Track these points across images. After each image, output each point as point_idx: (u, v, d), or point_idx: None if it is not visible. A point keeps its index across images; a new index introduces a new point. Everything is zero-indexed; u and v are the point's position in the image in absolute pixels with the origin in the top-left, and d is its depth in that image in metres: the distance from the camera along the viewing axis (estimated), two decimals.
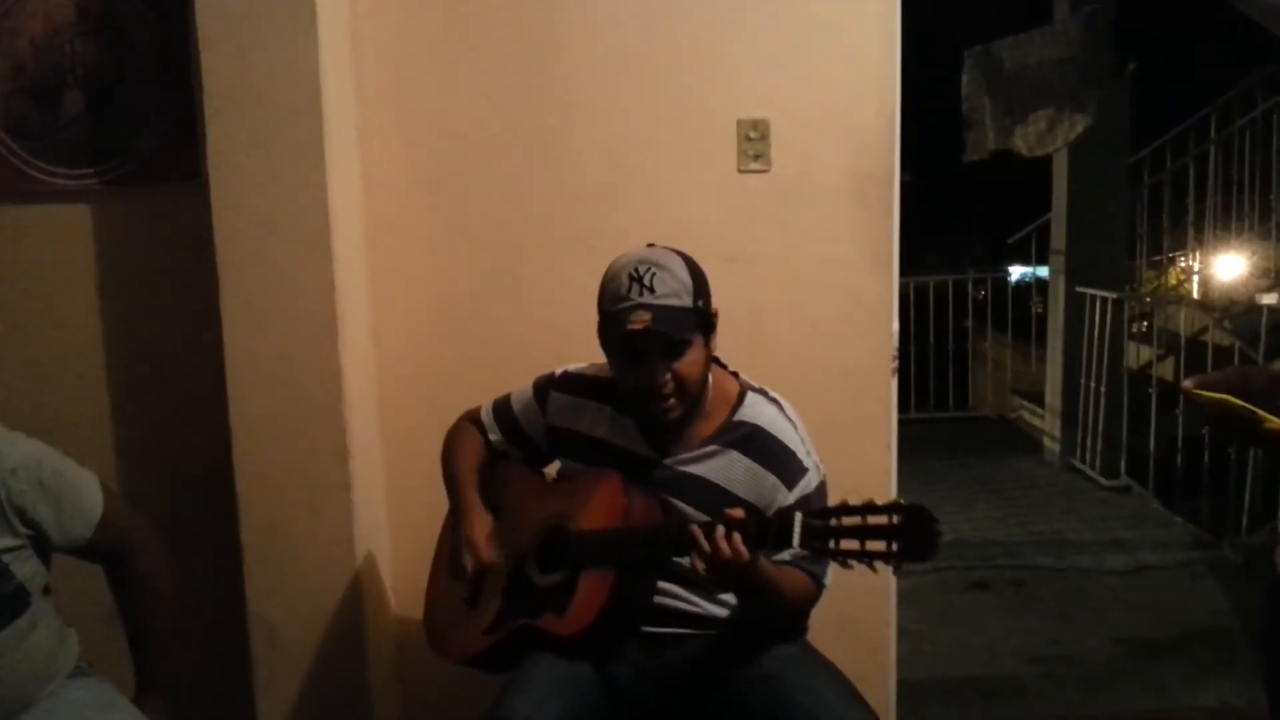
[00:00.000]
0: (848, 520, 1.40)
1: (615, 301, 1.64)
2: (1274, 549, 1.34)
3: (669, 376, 1.64)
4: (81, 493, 1.58)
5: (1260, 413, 1.16)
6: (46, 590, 1.61)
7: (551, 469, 1.95)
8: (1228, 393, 1.20)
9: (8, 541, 1.50)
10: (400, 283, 2.33)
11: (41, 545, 1.57)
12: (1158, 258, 6.72)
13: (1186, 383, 1.25)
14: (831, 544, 1.40)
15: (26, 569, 1.53)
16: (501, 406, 1.94)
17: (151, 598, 1.67)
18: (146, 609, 1.67)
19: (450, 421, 2.03)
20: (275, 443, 2.12)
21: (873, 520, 1.38)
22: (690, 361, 1.65)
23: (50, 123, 2.23)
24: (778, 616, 1.70)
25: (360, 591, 2.19)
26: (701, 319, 1.67)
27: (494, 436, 1.93)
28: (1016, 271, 8.40)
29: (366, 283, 2.28)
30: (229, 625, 2.17)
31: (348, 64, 2.20)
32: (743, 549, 1.48)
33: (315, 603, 2.17)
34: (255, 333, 2.10)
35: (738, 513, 1.52)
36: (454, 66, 2.28)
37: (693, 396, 1.69)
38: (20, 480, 1.50)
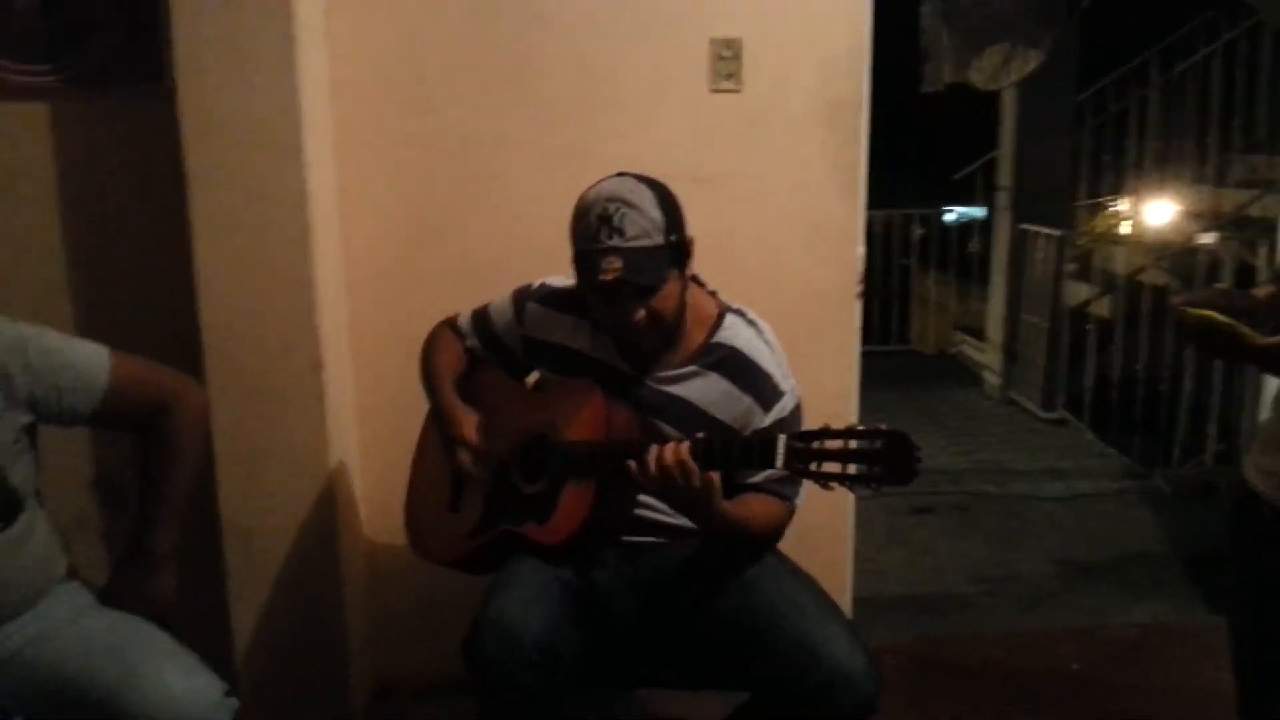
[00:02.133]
0: (831, 444, 1.43)
1: (586, 242, 1.64)
2: (1238, 466, 1.41)
3: (643, 313, 1.65)
4: (78, 367, 1.53)
5: (1242, 328, 1.20)
6: (38, 495, 1.59)
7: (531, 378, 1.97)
8: (1212, 310, 1.24)
9: (5, 444, 1.48)
10: (370, 194, 2.30)
11: (38, 423, 1.55)
12: (1098, 200, 6.85)
13: (1174, 299, 1.29)
14: (814, 466, 1.43)
15: (19, 473, 1.51)
16: (480, 315, 1.95)
17: (170, 459, 1.61)
18: (165, 470, 1.61)
19: (420, 334, 2.02)
20: (247, 352, 2.12)
21: (855, 444, 1.41)
22: (665, 297, 1.67)
23: (4, 16, 2.14)
24: (746, 542, 1.72)
25: (333, 500, 2.20)
26: (674, 252, 1.68)
27: (472, 343, 1.94)
28: (954, 211, 8.49)
29: (336, 192, 2.25)
30: (202, 533, 2.17)
31: None
32: (690, 463, 1.51)
33: (288, 511, 2.19)
34: (226, 241, 2.08)
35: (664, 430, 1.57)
36: None
37: (669, 327, 1.71)
38: (10, 361, 1.47)
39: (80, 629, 1.53)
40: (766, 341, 1.78)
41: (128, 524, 1.66)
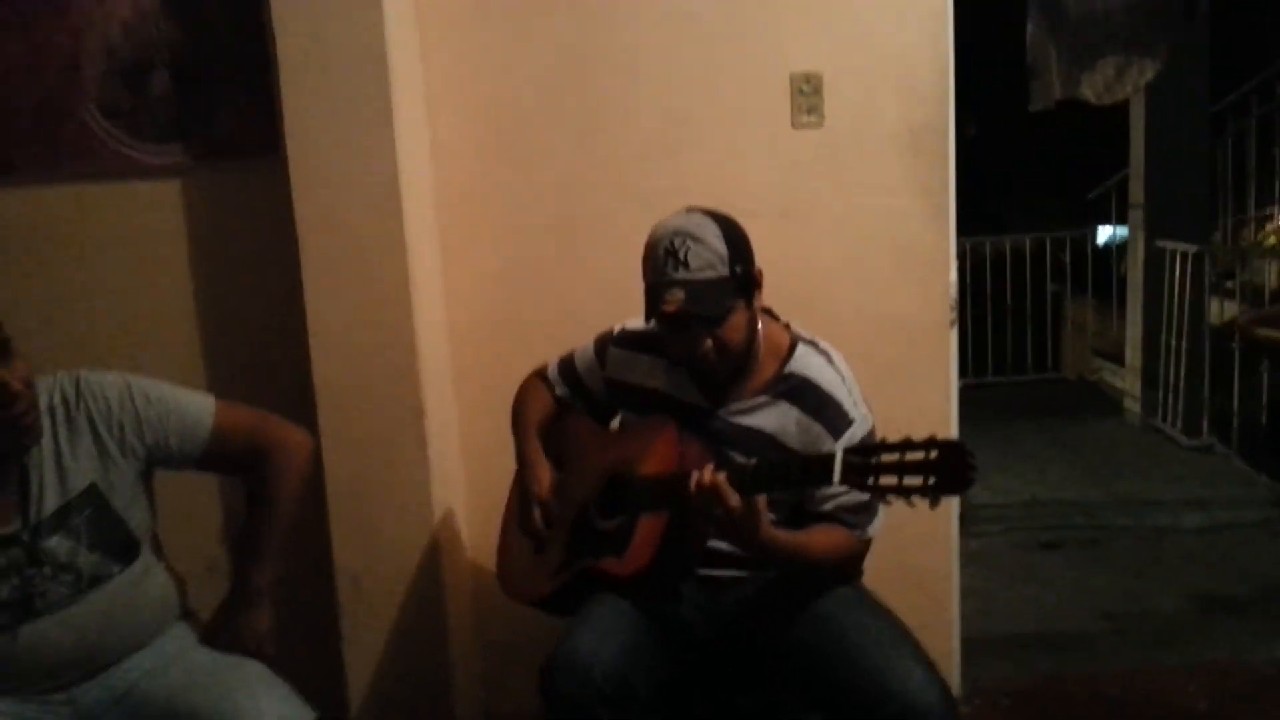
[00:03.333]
0: (886, 457, 1.43)
1: (653, 275, 1.71)
2: None
3: (710, 344, 1.70)
4: (184, 410, 1.66)
5: None
6: (156, 539, 1.73)
7: (615, 422, 2.03)
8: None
9: (121, 490, 1.61)
10: (469, 245, 2.42)
11: (153, 469, 1.67)
12: (1243, 216, 6.49)
13: (1241, 318, 1.24)
14: (871, 479, 1.44)
15: (136, 517, 1.64)
16: (566, 363, 2.03)
17: (269, 501, 1.70)
18: (263, 512, 1.71)
19: (520, 378, 2.12)
20: (355, 404, 2.24)
21: (910, 456, 1.41)
22: (731, 328, 1.71)
23: (139, 101, 2.35)
24: (811, 573, 1.73)
25: (438, 544, 2.30)
26: (740, 284, 1.71)
27: (560, 391, 2.02)
28: (1104, 233, 8.18)
29: (437, 246, 2.38)
30: (317, 580, 2.30)
31: (413, 33, 2.29)
32: (724, 486, 1.54)
33: (396, 555, 2.30)
34: (334, 298, 2.21)
35: (743, 460, 1.60)
36: (515, 31, 2.37)
37: (737, 358, 1.75)
38: (120, 412, 1.61)
39: (187, 662, 1.64)
40: (837, 370, 1.80)
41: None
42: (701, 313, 1.67)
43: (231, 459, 1.73)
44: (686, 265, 1.67)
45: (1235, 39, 5.81)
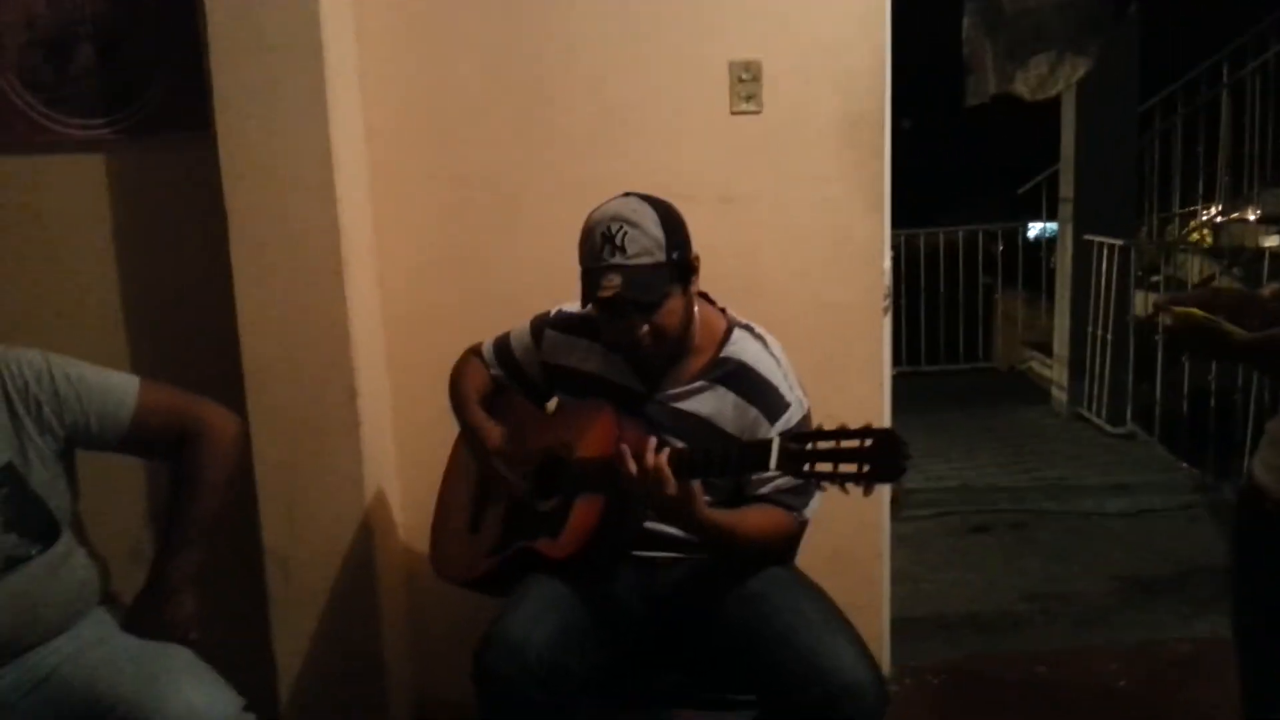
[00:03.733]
0: (822, 444, 1.45)
1: (590, 260, 1.71)
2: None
3: (646, 329, 1.71)
4: (106, 390, 1.62)
5: (1224, 324, 1.18)
6: (76, 521, 1.69)
7: (551, 403, 2.03)
8: (1200, 308, 1.22)
9: (39, 470, 1.57)
10: (402, 226, 2.39)
11: (74, 450, 1.63)
12: (1167, 213, 6.68)
13: (1157, 299, 1.28)
14: (807, 466, 1.45)
15: (55, 498, 1.60)
16: (502, 343, 2.02)
17: (194, 487, 1.67)
18: (187, 498, 1.67)
19: (453, 361, 2.10)
20: (286, 385, 2.20)
21: (846, 444, 1.43)
22: (667, 312, 1.72)
23: (62, 74, 2.29)
24: (748, 555, 1.74)
25: (371, 527, 2.28)
26: (676, 269, 1.72)
27: (495, 371, 2.01)
28: (1035, 227, 8.35)
29: (371, 227, 2.34)
30: (245, 563, 2.26)
31: (348, 11, 2.25)
32: (664, 469, 1.55)
33: (327, 538, 2.26)
34: (264, 278, 2.17)
35: (678, 444, 1.61)
36: (450, 12, 2.33)
37: (673, 343, 1.76)
38: (38, 389, 1.57)
39: (109, 648, 1.61)
40: (773, 354, 1.82)
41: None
42: (638, 298, 1.67)
43: (155, 442, 1.69)
44: (624, 250, 1.68)
45: (1163, 40, 5.96)
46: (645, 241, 1.68)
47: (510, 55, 2.35)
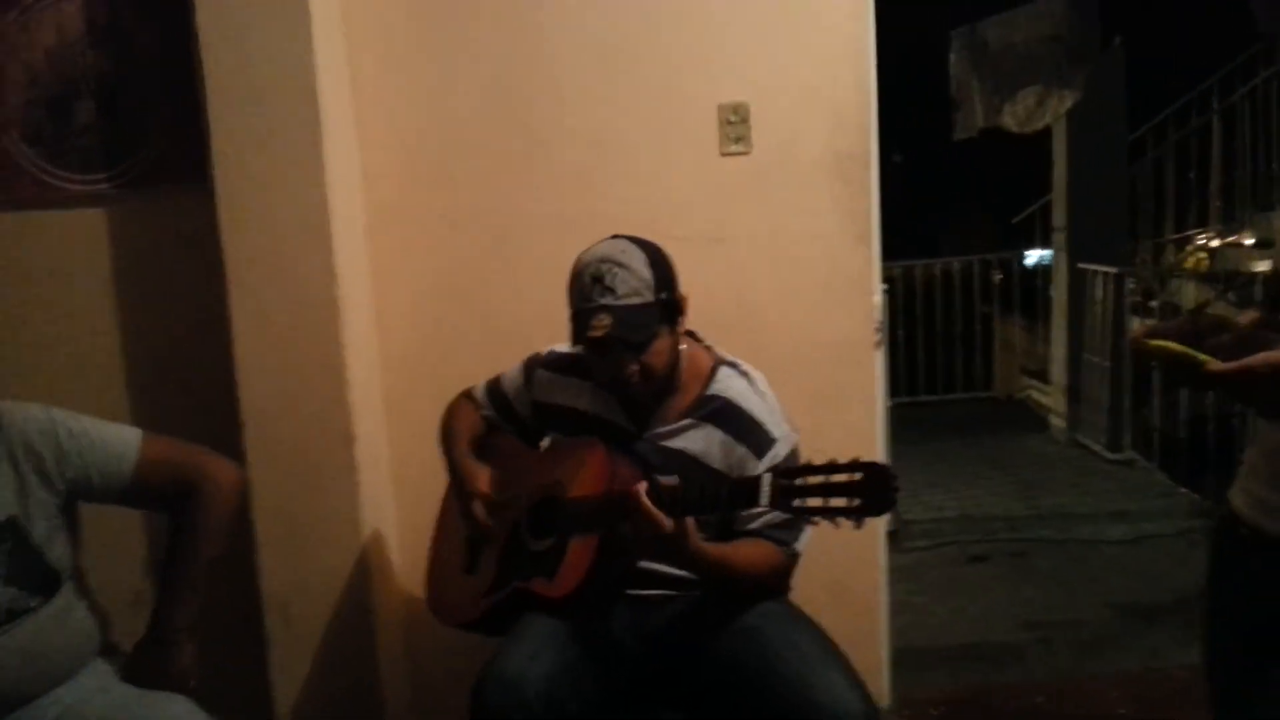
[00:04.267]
0: (813, 479, 1.47)
1: (580, 301, 1.75)
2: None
3: (635, 368, 1.74)
4: (108, 444, 1.64)
5: (1199, 355, 1.19)
6: (77, 572, 1.70)
7: (544, 443, 2.05)
8: (1178, 339, 1.23)
9: (41, 523, 1.59)
10: (399, 269, 2.43)
11: (75, 502, 1.64)
12: (1162, 239, 6.72)
13: (1134, 332, 1.29)
14: (797, 502, 1.47)
15: (56, 550, 1.62)
16: (494, 385, 2.05)
17: (193, 537, 1.68)
18: (187, 548, 1.68)
19: (450, 401, 2.13)
20: (283, 429, 2.23)
21: (835, 478, 1.45)
22: (655, 352, 1.75)
23: (63, 130, 2.34)
24: (741, 589, 1.76)
25: (368, 569, 2.29)
26: (665, 309, 1.76)
27: (487, 413, 2.03)
28: (1032, 255, 8.39)
29: (367, 271, 2.38)
30: (243, 607, 2.28)
31: (342, 60, 2.30)
32: (651, 509, 1.56)
33: (325, 582, 2.28)
34: (261, 325, 2.21)
35: (671, 480, 1.62)
36: (444, 58, 2.39)
37: (660, 381, 1.80)
38: (41, 444, 1.58)
39: (109, 698, 1.62)
40: (759, 391, 1.85)
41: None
42: (627, 338, 1.71)
43: (157, 494, 1.70)
44: (613, 291, 1.71)
45: (1151, 69, 6.03)
46: (634, 282, 1.72)
47: (502, 97, 2.40)
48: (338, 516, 2.26)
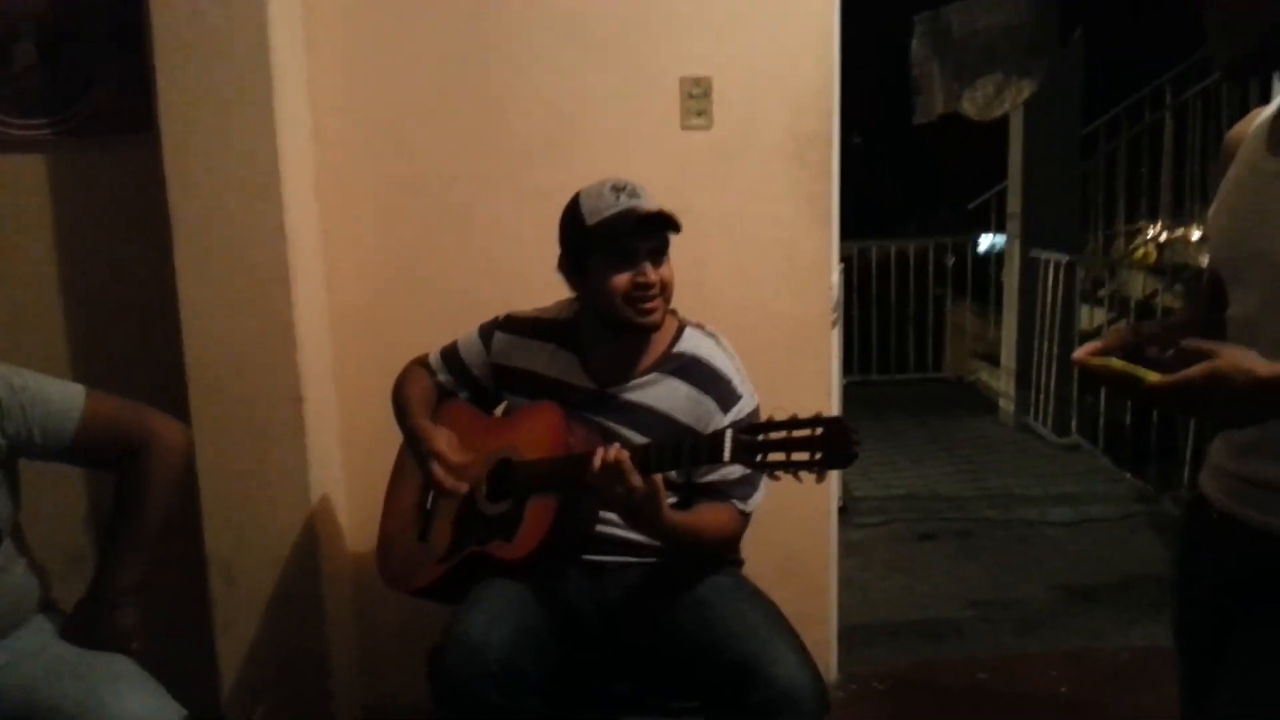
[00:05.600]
0: (774, 434, 1.47)
1: (606, 209, 1.76)
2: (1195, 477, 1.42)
3: (660, 272, 1.77)
4: (49, 399, 1.59)
5: (1140, 371, 1.16)
6: (17, 529, 1.66)
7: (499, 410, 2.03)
8: (1122, 351, 1.22)
9: None
10: (352, 233, 2.38)
11: (16, 458, 1.60)
12: (1111, 230, 6.82)
13: (1076, 353, 1.27)
14: (760, 456, 1.48)
15: None
16: (449, 351, 2.02)
17: (139, 498, 1.64)
18: (133, 508, 1.64)
19: (403, 367, 2.09)
20: (230, 388, 2.19)
21: (797, 433, 1.45)
22: (669, 268, 1.80)
23: (3, 73, 2.25)
24: (699, 551, 1.78)
25: (316, 532, 2.26)
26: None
27: (443, 378, 2.01)
28: (985, 240, 8.47)
29: (318, 233, 2.33)
30: (187, 569, 2.23)
31: (298, 17, 2.24)
32: (627, 462, 1.56)
33: (271, 543, 2.25)
34: (208, 281, 2.16)
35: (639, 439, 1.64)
36: (402, 20, 2.34)
37: (668, 304, 1.81)
38: None
39: (49, 656, 1.58)
40: (725, 350, 1.87)
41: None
42: (674, 219, 1.76)
43: (100, 453, 1.66)
44: (639, 197, 1.77)
45: (1108, 64, 6.10)
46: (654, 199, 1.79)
47: (463, 63, 2.36)
48: (285, 478, 2.22)
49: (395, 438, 2.07)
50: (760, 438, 1.49)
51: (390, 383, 2.08)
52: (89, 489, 2.36)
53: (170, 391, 2.13)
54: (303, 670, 2.30)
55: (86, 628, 1.63)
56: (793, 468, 1.46)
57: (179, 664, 1.73)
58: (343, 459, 2.43)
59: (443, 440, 1.88)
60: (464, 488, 1.84)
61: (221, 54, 2.10)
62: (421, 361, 2.05)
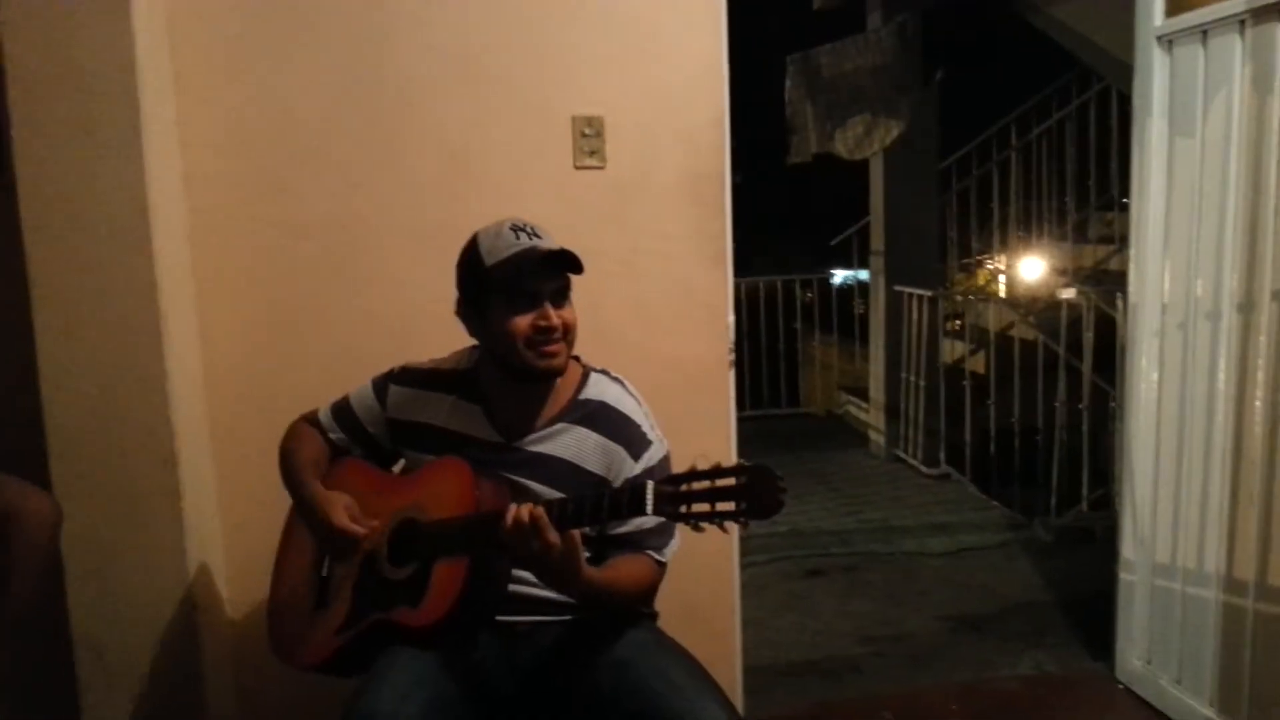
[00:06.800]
0: (697, 485, 1.42)
1: (506, 248, 1.70)
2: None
3: (561, 316, 1.71)
4: None
5: None
6: None
7: (397, 466, 1.93)
8: None
9: None
10: (228, 282, 2.24)
11: None
12: (968, 260, 7.13)
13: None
14: (683, 508, 1.42)
15: None
16: (340, 406, 1.91)
17: (6, 579, 1.52)
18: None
19: (286, 425, 1.96)
20: (96, 452, 2.02)
21: (721, 483, 1.41)
22: (572, 310, 1.75)
23: None
24: (617, 606, 1.72)
25: (194, 604, 2.10)
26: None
27: (335, 435, 1.89)
28: (840, 275, 8.72)
29: (191, 281, 2.19)
30: (53, 650, 2.04)
31: (165, 50, 2.12)
32: (544, 519, 1.50)
33: (146, 618, 2.08)
34: (70, 337, 1.99)
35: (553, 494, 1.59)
36: (280, 53, 2.23)
37: (571, 348, 1.76)
38: None
39: None
40: (632, 395, 1.83)
41: None
42: (577, 259, 1.70)
43: None
44: (540, 238, 1.73)
45: (961, 105, 6.39)
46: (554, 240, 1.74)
47: (343, 101, 2.26)
48: (159, 547, 2.05)
49: (279, 499, 1.93)
50: (683, 488, 1.44)
51: (273, 441, 1.94)
52: None
53: (29, 457, 1.94)
54: None
55: None
56: (718, 518, 1.41)
57: None
58: (221, 524, 2.27)
59: (340, 508, 1.76)
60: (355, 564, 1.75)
61: (82, 90, 1.95)
62: (310, 419, 1.93)
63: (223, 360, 2.25)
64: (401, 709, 1.50)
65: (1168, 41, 2.60)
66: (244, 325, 2.26)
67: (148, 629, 2.06)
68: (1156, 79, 2.63)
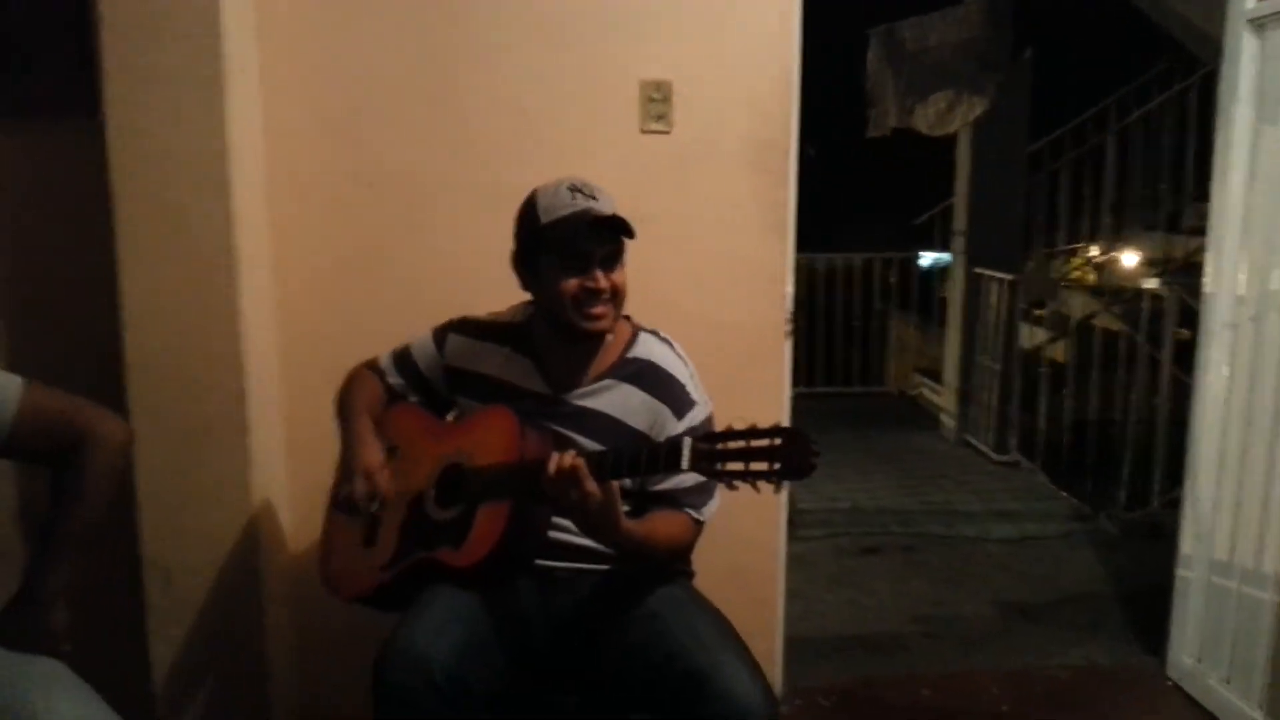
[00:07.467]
0: (733, 444, 1.45)
1: (561, 208, 1.73)
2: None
3: (612, 279, 1.74)
4: None
5: None
6: None
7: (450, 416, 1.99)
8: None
9: None
10: (302, 229, 2.32)
11: None
12: (1051, 249, 6.95)
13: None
14: (718, 466, 1.45)
15: None
16: (401, 353, 1.97)
17: (75, 496, 1.57)
18: (68, 508, 1.57)
19: (351, 368, 2.04)
20: (171, 382, 2.12)
21: (756, 443, 1.43)
22: (622, 273, 1.77)
23: None
24: (654, 561, 1.76)
25: (256, 537, 2.19)
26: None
27: (394, 380, 1.96)
28: (927, 257, 8.56)
29: (267, 225, 2.27)
30: (122, 570, 2.15)
31: (250, 7, 2.18)
32: (583, 468, 1.53)
33: (210, 548, 2.18)
34: (151, 270, 2.09)
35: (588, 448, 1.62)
36: (360, 12, 2.28)
37: (619, 310, 1.79)
38: None
39: None
40: (679, 356, 1.86)
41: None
42: (628, 224, 1.73)
43: (37, 448, 1.58)
44: (596, 199, 1.74)
45: (1055, 86, 6.21)
46: (612, 200, 1.76)
47: (421, 60, 2.31)
48: (226, 478, 2.15)
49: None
50: (719, 446, 1.47)
51: (338, 383, 2.02)
52: (20, 483, 2.27)
53: (108, 385, 2.05)
54: (240, 678, 2.23)
55: (17, 629, 1.55)
56: (750, 478, 1.44)
57: (112, 669, 1.65)
58: (286, 459, 2.36)
59: (372, 454, 1.84)
60: (374, 507, 1.83)
61: (171, 37, 2.03)
62: (370, 365, 2.00)
63: (294, 301, 2.33)
64: (436, 644, 1.56)
65: (1259, 24, 2.50)
66: (315, 271, 2.34)
67: (212, 555, 2.17)
68: (1245, 63, 2.53)
